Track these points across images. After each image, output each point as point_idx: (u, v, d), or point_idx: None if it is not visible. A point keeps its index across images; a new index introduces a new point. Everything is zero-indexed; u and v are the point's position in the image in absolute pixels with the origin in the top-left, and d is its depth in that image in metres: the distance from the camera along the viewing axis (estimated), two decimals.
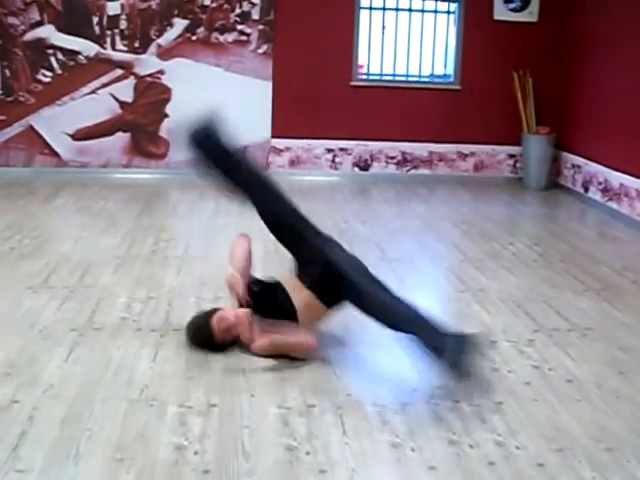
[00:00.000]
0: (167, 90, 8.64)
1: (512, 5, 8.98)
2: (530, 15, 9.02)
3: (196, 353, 4.08)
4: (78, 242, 6.09)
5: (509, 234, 6.90)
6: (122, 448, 3.14)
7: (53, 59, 8.39)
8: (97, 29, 8.41)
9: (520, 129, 9.10)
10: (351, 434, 3.34)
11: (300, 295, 4.12)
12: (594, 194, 8.28)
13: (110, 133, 8.62)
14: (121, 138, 8.66)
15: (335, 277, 4.04)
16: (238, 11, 8.61)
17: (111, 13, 8.40)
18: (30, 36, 8.31)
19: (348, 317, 4.73)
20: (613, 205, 7.84)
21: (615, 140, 7.92)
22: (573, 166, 8.82)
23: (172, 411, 3.46)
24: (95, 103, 8.52)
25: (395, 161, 9.18)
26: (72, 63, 8.42)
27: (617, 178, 7.78)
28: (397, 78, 9.22)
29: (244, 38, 8.68)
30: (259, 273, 5.49)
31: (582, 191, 8.54)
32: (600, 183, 8.14)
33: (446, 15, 9.14)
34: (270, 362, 4.02)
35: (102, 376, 3.77)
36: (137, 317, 4.55)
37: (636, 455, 3.26)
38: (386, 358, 4.25)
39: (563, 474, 3.10)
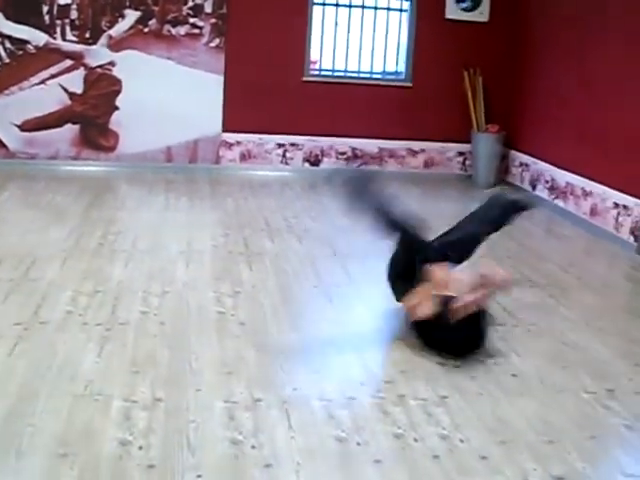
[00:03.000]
0: (118, 82, 8.55)
1: (463, 5, 9.05)
2: (481, 15, 9.11)
3: (142, 347, 4.06)
4: (25, 235, 6.01)
5: None
6: (66, 443, 3.11)
7: (1, 48, 8.25)
8: (47, 18, 8.29)
9: (470, 127, 9.18)
10: (297, 428, 3.35)
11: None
12: (541, 192, 8.39)
13: (59, 124, 8.52)
14: (70, 130, 8.56)
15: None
16: (191, 4, 8.56)
17: (62, 2, 8.28)
18: None
19: (295, 312, 4.75)
20: (560, 203, 7.95)
21: (562, 139, 8.04)
22: (521, 164, 8.93)
23: (117, 406, 3.43)
24: (44, 94, 8.41)
25: (345, 157, 9.21)
26: (21, 52, 8.29)
27: (564, 177, 7.90)
28: (349, 74, 9.24)
29: (196, 31, 8.63)
30: (208, 266, 5.51)
31: (530, 189, 8.65)
32: (547, 181, 8.26)
33: (398, 13, 9.19)
34: (217, 356, 4.02)
35: (47, 371, 3.73)
36: (83, 311, 4.51)
37: (576, 447, 3.33)
38: (333, 353, 4.27)
39: (506, 466, 3.15)
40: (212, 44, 8.67)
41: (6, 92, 8.32)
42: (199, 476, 2.95)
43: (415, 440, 3.32)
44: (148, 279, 5.15)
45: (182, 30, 8.60)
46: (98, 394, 3.53)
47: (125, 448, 3.10)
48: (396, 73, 9.36)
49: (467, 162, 9.43)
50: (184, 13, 8.56)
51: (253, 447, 3.18)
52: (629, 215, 6.76)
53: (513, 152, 9.12)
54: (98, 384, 3.63)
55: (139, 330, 4.29)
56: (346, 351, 4.24)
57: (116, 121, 8.63)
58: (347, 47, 9.16)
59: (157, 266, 5.44)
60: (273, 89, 8.86)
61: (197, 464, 3.03)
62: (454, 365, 4.10)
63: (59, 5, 8.29)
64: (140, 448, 3.11)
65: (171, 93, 8.62)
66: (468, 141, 9.26)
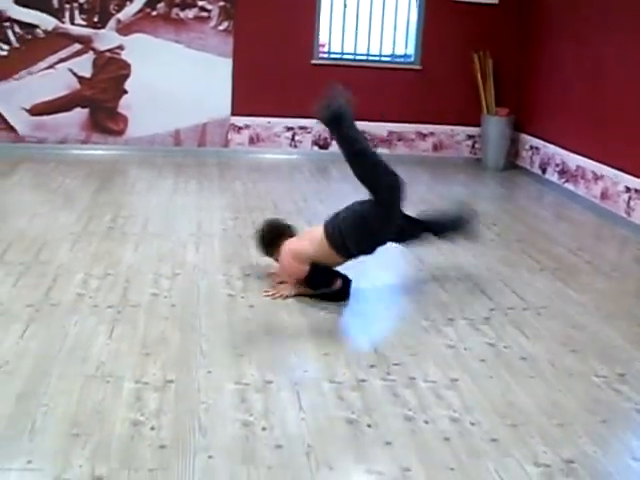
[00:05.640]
0: (126, 66, 8.54)
1: None
2: None
3: (153, 329, 4.07)
4: (34, 218, 6.02)
5: None
6: (78, 424, 3.13)
7: (10, 32, 8.24)
8: (56, 3, 8.27)
9: (479, 110, 9.14)
10: (307, 410, 3.36)
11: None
12: (551, 175, 8.36)
13: (68, 109, 8.51)
14: (79, 114, 8.56)
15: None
16: None
17: None
18: None
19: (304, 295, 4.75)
20: (570, 187, 7.92)
21: (573, 122, 8.00)
22: (531, 148, 8.90)
23: (128, 387, 3.45)
24: (53, 78, 8.40)
25: None
26: (30, 37, 8.27)
27: (574, 160, 7.87)
28: (358, 57, 9.20)
29: (205, 14, 8.60)
30: (218, 249, 5.51)
31: (540, 172, 8.62)
32: (557, 165, 8.23)
33: None
34: (227, 338, 4.03)
35: (58, 352, 3.75)
36: (94, 293, 4.52)
37: (586, 431, 3.33)
38: (343, 335, 4.27)
39: (516, 449, 3.16)
40: (220, 27, 8.65)
41: (15, 77, 8.31)
42: (210, 457, 2.96)
43: (425, 422, 3.33)
44: (158, 262, 5.16)
45: (190, 13, 8.57)
46: (109, 375, 3.55)
47: (137, 428, 3.12)
48: (405, 56, 9.31)
49: (476, 145, 9.40)
50: None
51: (264, 429, 3.19)
52: None
53: (523, 135, 9.09)
54: (109, 366, 3.64)
55: (150, 312, 4.31)
56: (356, 334, 4.25)
57: (125, 105, 8.62)
58: (356, 30, 9.12)
59: (167, 249, 5.45)
60: (282, 72, 8.83)
61: (208, 445, 3.05)
62: (464, 348, 4.10)
63: None
64: (152, 429, 3.12)
65: (180, 77, 8.60)
66: (478, 124, 9.23)
